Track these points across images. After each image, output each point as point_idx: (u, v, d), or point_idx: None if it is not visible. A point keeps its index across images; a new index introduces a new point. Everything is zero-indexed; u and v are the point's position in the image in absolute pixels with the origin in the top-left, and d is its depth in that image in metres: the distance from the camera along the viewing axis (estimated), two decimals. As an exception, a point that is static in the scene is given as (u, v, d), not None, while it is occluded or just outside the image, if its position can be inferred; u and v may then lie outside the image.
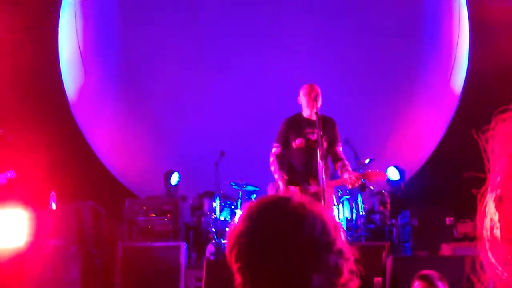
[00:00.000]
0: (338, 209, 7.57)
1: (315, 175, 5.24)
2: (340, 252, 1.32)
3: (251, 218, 1.35)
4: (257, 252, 1.31)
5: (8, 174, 6.93)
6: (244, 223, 1.35)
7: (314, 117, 5.53)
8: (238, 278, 1.33)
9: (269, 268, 1.29)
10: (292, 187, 5.56)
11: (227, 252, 1.37)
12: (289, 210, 1.34)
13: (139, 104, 9.92)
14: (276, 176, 5.65)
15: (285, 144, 5.75)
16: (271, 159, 5.72)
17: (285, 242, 1.30)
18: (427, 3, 9.95)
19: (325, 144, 5.52)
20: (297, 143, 5.64)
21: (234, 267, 1.34)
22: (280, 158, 5.74)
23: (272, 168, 5.69)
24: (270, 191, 5.84)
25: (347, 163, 5.66)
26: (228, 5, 9.75)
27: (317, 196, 5.15)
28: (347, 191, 8.11)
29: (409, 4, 9.81)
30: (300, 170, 5.59)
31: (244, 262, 1.32)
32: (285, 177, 5.55)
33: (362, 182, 8.06)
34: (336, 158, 5.70)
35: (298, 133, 5.64)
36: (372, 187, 8.36)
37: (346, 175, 5.43)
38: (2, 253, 6.95)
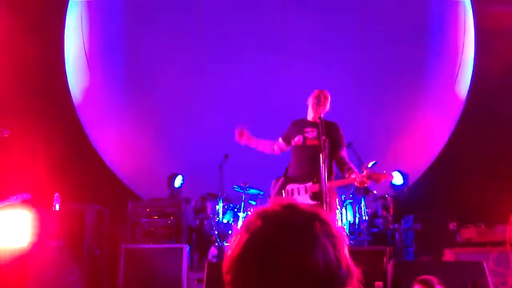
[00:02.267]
0: (341, 213, 7.57)
1: (315, 174, 5.26)
2: (344, 280, 1.24)
3: (245, 246, 1.25)
4: (251, 285, 1.23)
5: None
6: (238, 251, 1.26)
7: (317, 120, 5.58)
8: None
9: None
10: (292, 185, 5.64)
11: (223, 273, 1.29)
12: (287, 242, 1.23)
13: (144, 107, 9.94)
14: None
15: (288, 141, 5.95)
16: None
17: (283, 279, 1.20)
18: (432, 9, 9.94)
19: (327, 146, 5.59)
20: (295, 140, 5.79)
21: None
22: (276, 147, 6.04)
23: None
24: (272, 189, 5.86)
25: (352, 166, 5.69)
26: (232, 6, 9.75)
27: (319, 196, 5.19)
28: (350, 195, 8.12)
29: (415, 10, 9.81)
30: (299, 168, 5.67)
31: None
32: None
33: (366, 186, 8.09)
34: (341, 163, 5.72)
35: (298, 131, 5.79)
36: (375, 191, 8.36)
37: (353, 175, 5.45)
38: (5, 253, 6.97)
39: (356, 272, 1.28)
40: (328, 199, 5.26)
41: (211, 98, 9.81)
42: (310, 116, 5.83)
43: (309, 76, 8.92)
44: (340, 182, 5.76)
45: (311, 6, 9.62)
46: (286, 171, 5.85)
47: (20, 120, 8.40)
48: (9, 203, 6.79)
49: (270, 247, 1.24)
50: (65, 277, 6.77)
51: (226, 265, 1.29)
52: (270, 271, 1.21)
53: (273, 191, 5.81)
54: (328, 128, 5.60)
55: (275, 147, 6.07)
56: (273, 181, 5.92)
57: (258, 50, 9.72)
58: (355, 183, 5.45)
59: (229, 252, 1.29)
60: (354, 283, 1.27)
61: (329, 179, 5.51)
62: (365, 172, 5.35)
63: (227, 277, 1.28)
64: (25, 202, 6.95)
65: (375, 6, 9.76)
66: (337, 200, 5.96)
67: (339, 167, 5.76)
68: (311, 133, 5.66)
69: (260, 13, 9.76)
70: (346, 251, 1.28)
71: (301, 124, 5.84)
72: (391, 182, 8.77)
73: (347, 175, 5.59)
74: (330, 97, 5.77)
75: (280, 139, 6.03)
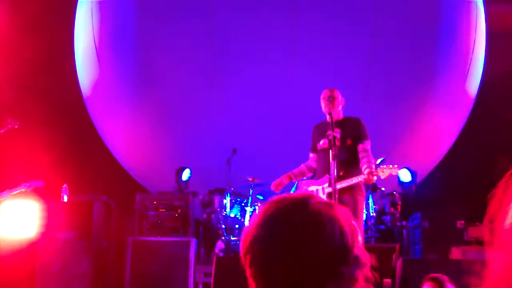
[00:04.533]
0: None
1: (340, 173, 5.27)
2: (356, 261, 1.30)
3: (265, 224, 1.31)
4: (271, 260, 1.28)
5: (37, 183, 6.89)
6: (258, 228, 1.32)
7: (339, 117, 5.60)
8: (252, 284, 1.31)
9: (283, 276, 1.26)
10: (311, 186, 5.66)
11: (241, 255, 1.34)
12: (306, 216, 1.30)
13: (152, 100, 9.94)
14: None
15: (316, 150, 5.86)
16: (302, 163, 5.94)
17: (300, 252, 1.26)
18: (444, 7, 9.89)
19: (348, 142, 5.58)
20: (321, 144, 5.70)
21: (248, 272, 1.31)
22: (312, 164, 5.90)
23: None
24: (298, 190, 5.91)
25: (366, 160, 5.60)
26: (244, 6, 9.70)
27: (343, 192, 5.25)
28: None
29: (427, 8, 9.75)
30: (325, 170, 5.54)
31: (258, 268, 1.29)
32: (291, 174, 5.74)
33: (374, 183, 8.07)
34: (359, 157, 5.68)
35: (322, 135, 5.69)
36: (383, 188, 8.34)
37: (361, 173, 5.43)
38: (13, 243, 7.01)
39: (366, 265, 1.33)
40: (353, 198, 5.29)
41: (221, 92, 9.80)
42: (328, 117, 5.73)
43: (318, 75, 8.88)
44: (348, 181, 5.73)
45: (322, 10, 9.57)
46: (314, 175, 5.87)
47: (30, 111, 8.43)
48: (22, 189, 6.79)
49: (289, 222, 1.30)
50: (72, 269, 6.80)
51: (244, 246, 1.33)
52: (290, 245, 1.27)
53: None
54: (349, 124, 5.61)
55: (310, 164, 5.93)
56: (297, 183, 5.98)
57: (268, 50, 9.68)
58: (364, 180, 5.42)
59: (246, 233, 1.34)
60: (365, 270, 1.32)
61: (355, 174, 5.46)
62: (366, 171, 5.32)
63: (246, 258, 1.32)
64: (36, 191, 6.96)
65: (387, 5, 9.69)
66: (363, 198, 5.86)
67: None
68: (335, 134, 5.58)
69: (270, 14, 9.71)
70: (360, 242, 1.33)
71: (322, 128, 5.74)
72: (399, 179, 8.76)
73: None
74: (339, 92, 5.74)
75: (311, 154, 5.93)
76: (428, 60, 9.75)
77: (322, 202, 1.35)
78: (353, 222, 1.35)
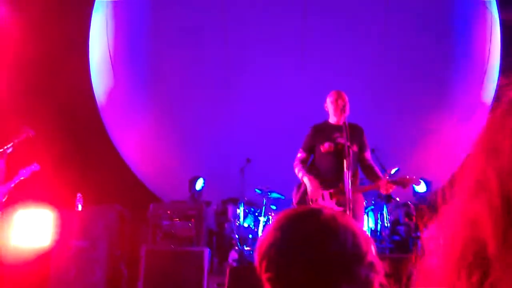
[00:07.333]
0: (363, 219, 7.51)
1: (341, 180, 5.18)
2: (371, 265, 1.33)
3: (282, 229, 1.36)
4: (287, 263, 1.32)
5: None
6: (274, 234, 1.36)
7: (341, 124, 5.48)
8: None
9: (299, 279, 1.30)
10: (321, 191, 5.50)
11: (256, 262, 1.38)
12: (320, 222, 1.35)
13: (166, 110, 9.96)
14: (300, 175, 5.58)
15: (311, 150, 5.69)
16: (295, 162, 5.68)
17: (316, 254, 1.31)
18: (458, 15, 9.84)
19: (355, 148, 5.50)
20: (325, 147, 5.53)
21: (264, 276, 1.35)
22: (304, 163, 5.70)
23: (297, 170, 5.62)
24: (295, 196, 5.79)
25: (377, 170, 5.60)
26: (256, 13, 9.70)
27: (344, 202, 5.11)
28: (372, 202, 8.05)
29: (441, 15, 9.71)
30: (329, 174, 5.47)
31: (274, 272, 1.33)
32: (312, 176, 5.50)
33: (389, 194, 8.01)
34: (365, 165, 5.64)
35: (327, 138, 5.54)
36: (398, 199, 8.28)
37: (380, 182, 5.34)
38: (28, 252, 7.04)
39: (381, 271, 1.36)
40: (353, 205, 5.19)
41: (234, 101, 9.80)
42: (333, 119, 5.65)
43: (331, 80, 8.85)
44: (365, 188, 5.67)
45: (332, 15, 9.55)
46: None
47: (44, 121, 8.48)
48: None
49: (304, 228, 1.36)
50: (86, 277, 6.80)
51: (260, 251, 1.38)
52: (305, 248, 1.32)
53: (295, 198, 5.72)
54: (354, 131, 5.48)
55: (304, 165, 5.73)
56: (295, 188, 5.83)
57: (279, 57, 9.66)
58: (381, 190, 5.35)
59: (262, 240, 1.40)
60: (377, 283, 1.35)
61: (354, 184, 5.41)
62: (388, 178, 5.28)
63: (262, 263, 1.36)
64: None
65: (398, 13, 9.66)
66: (364, 206, 5.84)
67: (364, 170, 5.66)
68: (340, 138, 5.46)
69: (282, 22, 9.69)
70: (373, 250, 1.38)
71: (327, 130, 5.60)
72: (414, 189, 8.69)
73: (370, 179, 5.53)
74: (347, 97, 5.66)
75: (302, 152, 5.73)
76: (443, 69, 9.69)
77: (336, 212, 1.40)
78: (368, 234, 1.40)
